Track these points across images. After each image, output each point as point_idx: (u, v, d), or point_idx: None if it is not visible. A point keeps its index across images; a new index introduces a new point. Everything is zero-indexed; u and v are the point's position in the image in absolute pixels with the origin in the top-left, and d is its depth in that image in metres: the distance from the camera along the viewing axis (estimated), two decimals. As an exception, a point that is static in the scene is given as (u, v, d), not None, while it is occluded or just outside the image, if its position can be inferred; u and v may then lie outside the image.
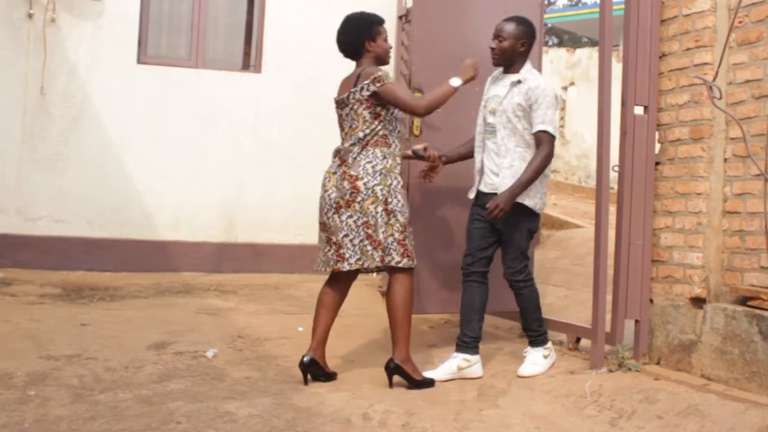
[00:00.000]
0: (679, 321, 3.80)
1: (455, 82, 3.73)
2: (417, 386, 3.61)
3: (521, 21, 3.89)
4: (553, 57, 13.97)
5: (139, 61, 6.52)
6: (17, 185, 6.20)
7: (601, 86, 4.02)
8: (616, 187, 4.08)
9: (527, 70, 3.87)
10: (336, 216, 3.60)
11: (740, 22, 3.66)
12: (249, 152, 6.69)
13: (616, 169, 3.99)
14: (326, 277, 3.80)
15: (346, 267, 3.60)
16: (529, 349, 4.00)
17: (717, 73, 3.58)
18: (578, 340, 4.32)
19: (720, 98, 3.50)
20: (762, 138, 3.52)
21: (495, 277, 3.98)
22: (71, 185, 6.30)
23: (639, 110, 4.01)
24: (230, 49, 7.03)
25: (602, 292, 3.95)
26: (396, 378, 3.61)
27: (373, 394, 3.51)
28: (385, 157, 3.63)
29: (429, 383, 3.67)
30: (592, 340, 3.97)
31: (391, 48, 3.83)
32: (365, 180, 3.57)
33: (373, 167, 3.59)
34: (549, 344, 4.02)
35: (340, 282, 3.75)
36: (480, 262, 3.90)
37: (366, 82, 3.60)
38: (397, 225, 3.60)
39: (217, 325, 4.69)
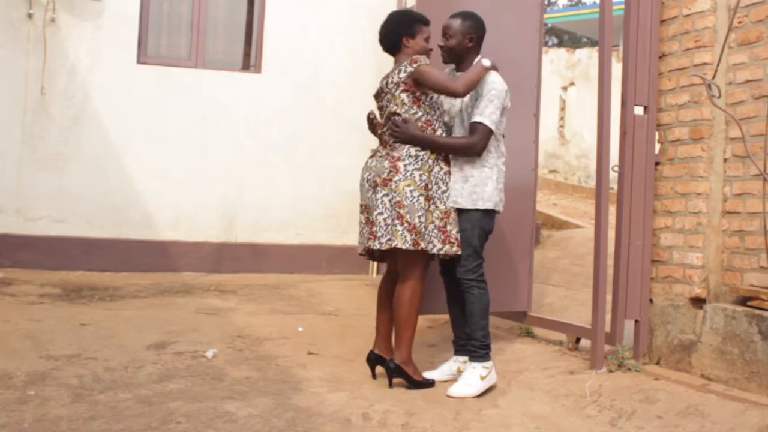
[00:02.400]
0: (678, 321, 3.80)
1: (486, 62, 3.68)
2: (417, 387, 3.61)
3: (467, 16, 3.79)
4: (553, 57, 13.98)
5: (139, 61, 6.52)
6: (17, 185, 6.20)
7: (601, 86, 4.02)
8: (616, 187, 4.08)
9: None
10: (374, 195, 3.61)
11: (740, 22, 3.66)
12: (249, 152, 6.70)
13: (616, 169, 3.99)
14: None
15: (376, 245, 3.56)
16: (468, 364, 3.69)
17: (716, 71, 3.58)
18: (578, 340, 4.32)
19: (719, 97, 3.50)
20: (762, 138, 3.52)
21: (488, 277, 3.93)
22: (71, 185, 6.30)
23: (639, 110, 4.01)
24: (230, 49, 7.03)
25: (602, 292, 3.95)
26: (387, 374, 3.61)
27: (373, 394, 3.51)
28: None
29: (429, 384, 3.67)
30: (591, 340, 3.97)
31: (430, 49, 3.76)
32: (406, 162, 3.57)
33: (416, 151, 3.59)
34: (490, 363, 3.66)
35: (390, 273, 3.77)
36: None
37: (404, 64, 3.63)
38: (437, 212, 3.58)
39: (217, 325, 4.69)
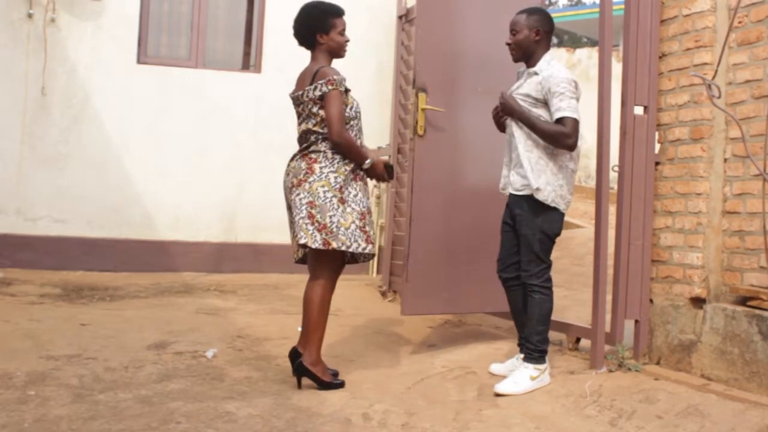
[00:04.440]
0: (679, 321, 3.80)
1: (368, 162, 3.61)
2: (326, 388, 3.52)
3: (533, 11, 3.76)
4: (553, 57, 13.98)
5: (139, 61, 6.52)
6: (17, 185, 6.21)
7: (601, 86, 4.02)
8: (616, 187, 4.08)
9: (545, 61, 3.72)
10: (292, 195, 3.58)
11: (740, 23, 3.66)
12: (249, 152, 6.69)
13: (616, 169, 3.98)
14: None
15: (297, 247, 3.57)
16: (521, 363, 3.72)
17: (717, 71, 3.58)
18: (578, 340, 4.32)
19: (719, 97, 3.49)
20: (762, 138, 3.52)
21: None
22: (71, 185, 6.30)
23: (639, 110, 4.01)
24: (230, 49, 7.03)
25: (602, 292, 3.95)
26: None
27: (373, 394, 3.51)
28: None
29: (338, 385, 3.57)
30: (591, 340, 3.97)
31: (346, 41, 3.70)
32: (322, 164, 3.53)
33: (333, 154, 3.55)
34: (544, 366, 3.67)
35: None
36: (508, 268, 3.80)
37: (321, 81, 3.54)
38: (356, 213, 3.52)
39: (217, 325, 4.69)
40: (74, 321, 4.55)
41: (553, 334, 4.55)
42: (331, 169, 3.53)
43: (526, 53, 3.74)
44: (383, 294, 5.93)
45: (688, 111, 3.85)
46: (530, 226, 3.64)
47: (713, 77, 3.52)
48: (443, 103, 4.44)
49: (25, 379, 3.42)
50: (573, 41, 22.54)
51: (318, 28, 3.64)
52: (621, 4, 4.02)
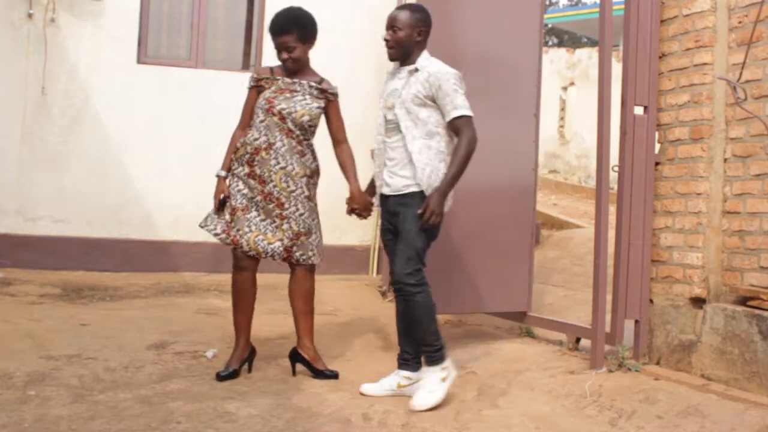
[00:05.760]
0: (679, 321, 3.80)
1: (219, 171, 4.06)
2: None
3: (416, 8, 3.60)
4: (553, 57, 13.98)
5: (139, 61, 6.52)
6: (17, 185, 6.20)
7: (601, 86, 4.02)
8: (616, 187, 4.08)
9: (425, 58, 3.56)
10: None
11: (740, 22, 3.66)
12: (249, 152, 6.69)
13: (616, 169, 3.99)
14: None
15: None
16: (425, 369, 3.48)
17: (741, 73, 3.54)
18: (578, 340, 4.32)
19: (745, 99, 3.48)
20: (762, 138, 3.52)
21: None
22: (71, 185, 6.30)
23: (639, 110, 4.01)
24: (230, 49, 7.02)
25: (602, 292, 3.95)
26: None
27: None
28: (243, 143, 3.94)
29: (231, 375, 3.65)
30: (591, 340, 3.97)
31: (284, 60, 3.92)
32: None
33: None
34: (447, 362, 3.45)
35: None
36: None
37: None
38: (230, 208, 3.84)
39: (217, 325, 4.68)
40: (74, 321, 4.55)
41: (553, 334, 4.56)
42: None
43: (406, 52, 3.58)
44: (383, 294, 5.92)
45: (688, 111, 3.85)
46: (414, 222, 3.44)
47: (738, 79, 3.50)
48: (443, 103, 4.43)
49: (25, 379, 3.42)
50: (573, 41, 22.55)
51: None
52: (621, 4, 4.02)
